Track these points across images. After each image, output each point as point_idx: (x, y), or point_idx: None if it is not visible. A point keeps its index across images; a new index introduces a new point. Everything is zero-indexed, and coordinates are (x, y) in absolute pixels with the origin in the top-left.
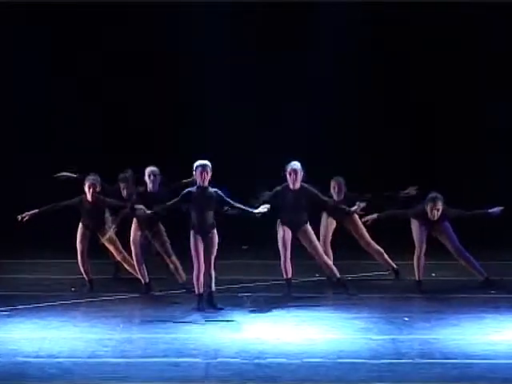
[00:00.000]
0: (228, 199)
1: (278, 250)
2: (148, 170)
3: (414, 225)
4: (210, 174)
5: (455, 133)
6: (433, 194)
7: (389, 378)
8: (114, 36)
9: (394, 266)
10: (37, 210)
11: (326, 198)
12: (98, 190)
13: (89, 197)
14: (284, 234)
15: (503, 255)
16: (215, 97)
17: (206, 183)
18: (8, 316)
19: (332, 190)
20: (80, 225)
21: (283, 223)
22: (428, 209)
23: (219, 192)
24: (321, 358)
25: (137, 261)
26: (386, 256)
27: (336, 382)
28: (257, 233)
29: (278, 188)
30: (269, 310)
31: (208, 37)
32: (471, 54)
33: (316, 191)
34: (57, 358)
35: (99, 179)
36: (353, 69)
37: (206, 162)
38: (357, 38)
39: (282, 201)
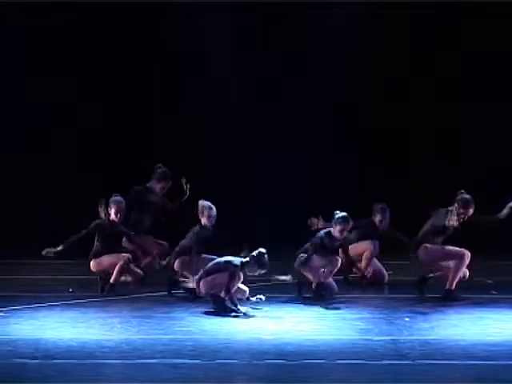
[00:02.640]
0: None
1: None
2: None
3: None
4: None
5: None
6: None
7: (389, 379)
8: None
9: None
10: (61, 247)
11: None
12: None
13: (114, 218)
14: None
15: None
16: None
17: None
18: (4, 317)
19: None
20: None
21: None
22: None
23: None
24: (321, 359)
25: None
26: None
27: (336, 382)
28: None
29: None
30: (268, 310)
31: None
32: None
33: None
34: (54, 359)
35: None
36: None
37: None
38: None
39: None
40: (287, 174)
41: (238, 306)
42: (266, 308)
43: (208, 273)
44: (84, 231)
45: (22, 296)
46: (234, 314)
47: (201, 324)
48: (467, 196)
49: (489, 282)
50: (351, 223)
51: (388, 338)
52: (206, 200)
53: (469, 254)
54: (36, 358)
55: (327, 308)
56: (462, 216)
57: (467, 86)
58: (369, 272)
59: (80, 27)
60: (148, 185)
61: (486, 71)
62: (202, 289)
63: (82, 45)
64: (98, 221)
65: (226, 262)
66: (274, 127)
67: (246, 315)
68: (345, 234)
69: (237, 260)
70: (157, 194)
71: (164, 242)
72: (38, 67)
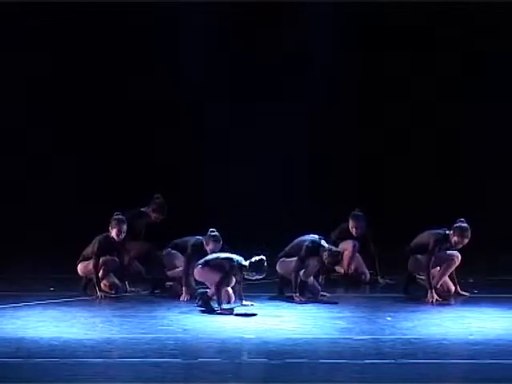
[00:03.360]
0: None
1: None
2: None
3: None
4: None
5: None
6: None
7: (371, 378)
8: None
9: None
10: (94, 278)
11: None
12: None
13: (115, 238)
14: None
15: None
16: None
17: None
18: None
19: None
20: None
21: None
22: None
23: None
24: (302, 358)
25: None
26: None
27: (318, 382)
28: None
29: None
30: (250, 310)
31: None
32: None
33: None
34: (35, 358)
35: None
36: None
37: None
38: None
39: None
40: (288, 173)
41: (223, 306)
42: (250, 303)
43: (207, 263)
44: (97, 255)
45: (2, 295)
46: (218, 312)
47: (183, 323)
48: (464, 225)
49: (470, 281)
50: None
51: (370, 337)
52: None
53: (459, 256)
54: (17, 358)
55: (309, 307)
56: (457, 244)
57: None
58: (351, 271)
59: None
60: (143, 210)
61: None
62: (196, 275)
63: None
64: (101, 237)
65: (227, 258)
66: (274, 127)
67: (228, 315)
68: None
69: (237, 259)
70: (148, 221)
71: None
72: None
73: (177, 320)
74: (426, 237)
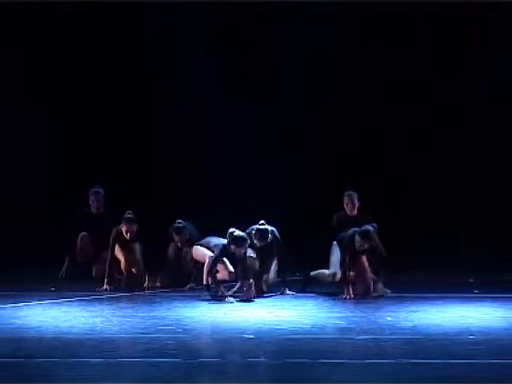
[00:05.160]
0: None
1: None
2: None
3: None
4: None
5: None
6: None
7: (372, 378)
8: None
9: None
10: (108, 283)
11: None
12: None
13: (125, 235)
14: None
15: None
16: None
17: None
18: None
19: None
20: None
21: None
22: None
23: None
24: (303, 357)
25: None
26: None
27: (318, 382)
28: None
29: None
30: (251, 309)
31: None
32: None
33: None
34: (35, 358)
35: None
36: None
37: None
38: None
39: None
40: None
41: (221, 293)
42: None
43: (204, 244)
44: (110, 253)
45: (2, 295)
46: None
47: (183, 323)
48: (366, 228)
49: (470, 280)
50: None
51: (370, 337)
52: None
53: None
54: (17, 358)
55: (309, 307)
56: (360, 247)
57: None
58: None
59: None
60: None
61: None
62: (193, 253)
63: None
64: (115, 231)
65: (218, 244)
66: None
67: (226, 315)
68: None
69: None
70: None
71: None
72: None
73: (177, 320)
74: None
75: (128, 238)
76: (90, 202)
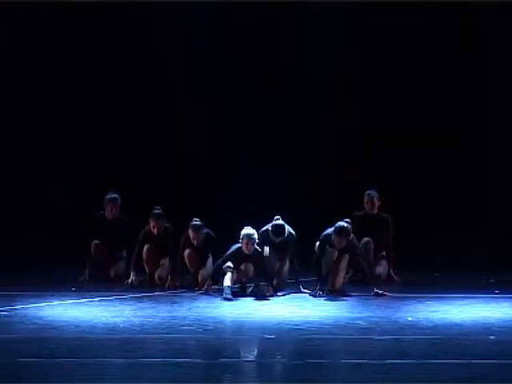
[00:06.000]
0: None
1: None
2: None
3: None
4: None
5: None
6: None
7: (392, 378)
8: None
9: None
10: (133, 276)
11: None
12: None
13: (153, 231)
14: None
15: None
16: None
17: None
18: (8, 316)
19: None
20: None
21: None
22: None
23: None
24: (323, 358)
25: None
26: None
27: (338, 382)
28: None
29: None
30: (270, 309)
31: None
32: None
33: None
34: (57, 358)
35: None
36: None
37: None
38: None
39: None
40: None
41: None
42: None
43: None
44: (137, 246)
45: (25, 295)
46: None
47: (204, 323)
48: (340, 225)
49: (491, 281)
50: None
51: (390, 337)
52: None
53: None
54: (39, 357)
55: (329, 307)
56: (338, 244)
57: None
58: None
59: None
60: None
61: None
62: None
63: None
64: (144, 231)
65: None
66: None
67: (246, 314)
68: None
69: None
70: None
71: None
72: None
73: (198, 320)
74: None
75: (155, 233)
76: (106, 208)
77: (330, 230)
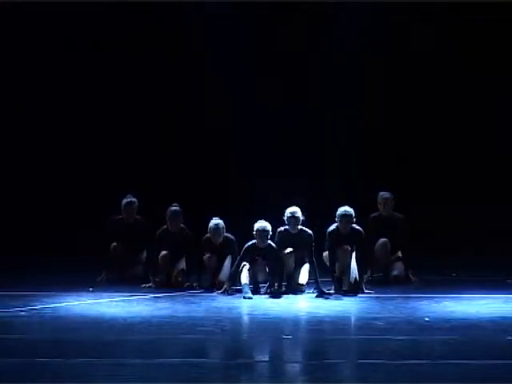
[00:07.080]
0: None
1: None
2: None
3: None
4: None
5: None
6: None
7: (409, 378)
8: None
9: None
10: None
11: None
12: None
13: (170, 228)
14: None
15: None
16: None
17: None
18: (25, 316)
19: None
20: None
21: None
22: None
23: None
24: (340, 358)
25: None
26: None
27: (356, 382)
28: None
29: None
30: (287, 309)
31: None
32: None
33: None
34: (73, 358)
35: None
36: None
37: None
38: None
39: None
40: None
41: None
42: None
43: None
44: (156, 246)
45: (42, 295)
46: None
47: (222, 324)
48: (342, 209)
49: (509, 281)
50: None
51: (408, 337)
52: None
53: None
54: (57, 358)
55: (347, 307)
56: (343, 229)
57: None
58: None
59: None
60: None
61: None
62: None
63: None
64: (161, 230)
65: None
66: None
67: (264, 315)
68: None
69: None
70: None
71: None
72: None
73: (215, 321)
74: None
75: (171, 229)
76: (123, 211)
77: (333, 225)
